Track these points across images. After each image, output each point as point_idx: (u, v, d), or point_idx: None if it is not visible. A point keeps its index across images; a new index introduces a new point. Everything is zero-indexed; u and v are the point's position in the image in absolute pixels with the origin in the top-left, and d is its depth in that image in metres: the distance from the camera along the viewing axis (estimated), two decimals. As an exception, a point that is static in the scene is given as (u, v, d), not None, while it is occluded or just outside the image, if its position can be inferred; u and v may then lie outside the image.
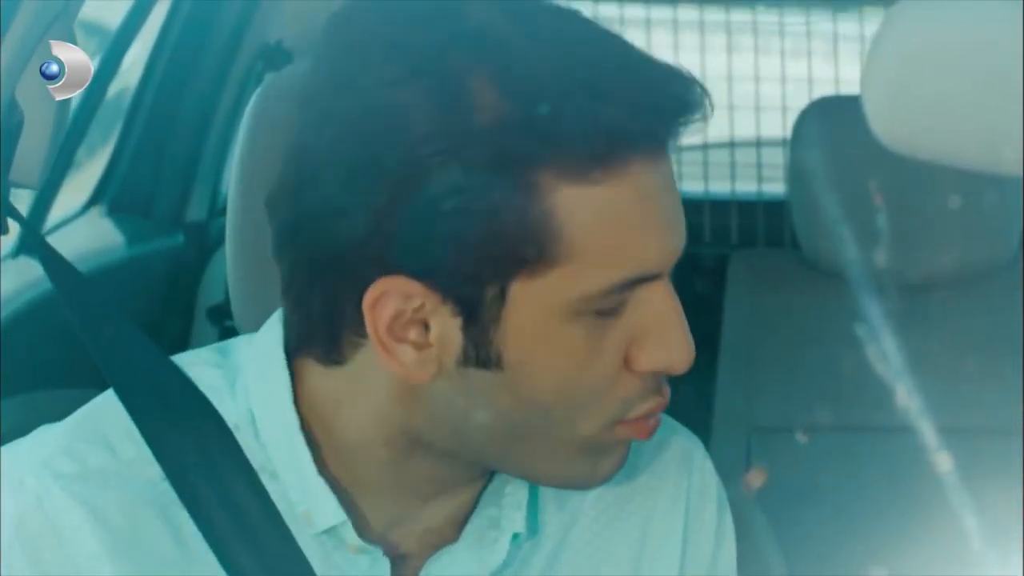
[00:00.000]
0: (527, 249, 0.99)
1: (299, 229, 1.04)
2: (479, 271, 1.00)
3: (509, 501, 1.12)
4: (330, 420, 1.08)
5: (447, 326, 1.02)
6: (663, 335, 1.04)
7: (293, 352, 1.09)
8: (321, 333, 1.06)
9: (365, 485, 1.09)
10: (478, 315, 1.01)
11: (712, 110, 1.02)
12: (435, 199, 0.99)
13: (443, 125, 0.98)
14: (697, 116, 1.01)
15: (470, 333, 1.02)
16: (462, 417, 1.04)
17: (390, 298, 1.01)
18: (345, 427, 1.07)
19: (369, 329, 1.02)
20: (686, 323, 1.04)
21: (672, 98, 1.01)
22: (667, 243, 1.03)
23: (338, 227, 1.01)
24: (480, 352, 1.02)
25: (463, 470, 1.10)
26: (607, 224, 1.00)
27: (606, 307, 1.02)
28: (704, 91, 1.02)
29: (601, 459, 1.08)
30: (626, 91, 0.99)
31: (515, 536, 1.12)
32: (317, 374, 1.08)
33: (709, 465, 1.21)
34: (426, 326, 1.02)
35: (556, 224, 0.99)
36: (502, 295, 1.00)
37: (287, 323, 1.09)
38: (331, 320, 1.05)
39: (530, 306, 1.01)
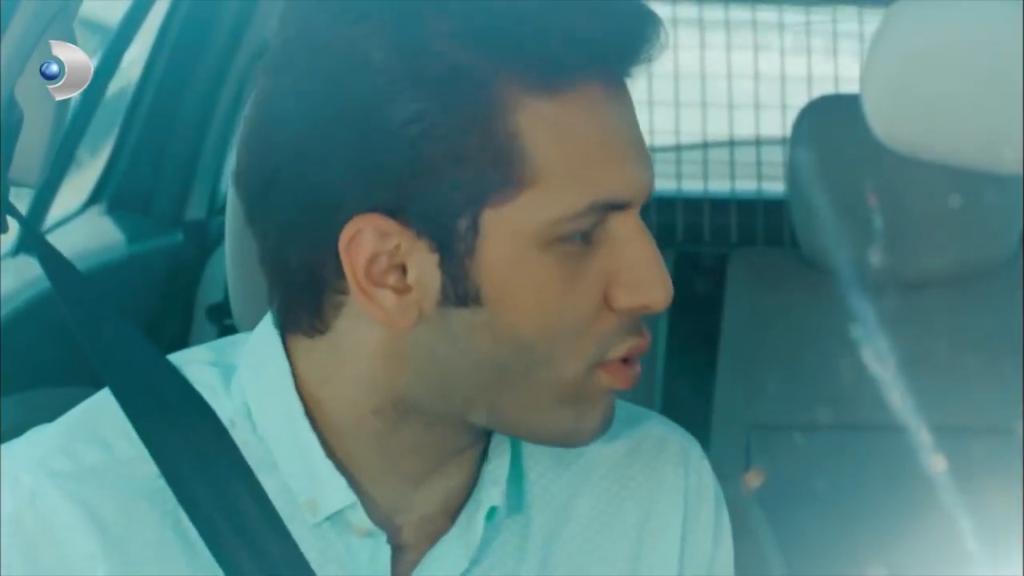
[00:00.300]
0: (494, 172, 1.01)
1: (269, 185, 1.04)
2: (450, 201, 1.01)
3: (489, 478, 1.12)
4: (321, 397, 1.08)
5: (424, 264, 1.03)
6: (640, 273, 1.05)
7: (283, 334, 1.09)
8: (302, 297, 1.06)
9: (360, 467, 1.09)
10: (453, 249, 1.02)
11: (666, 43, 1.04)
12: (399, 128, 1.00)
13: (398, 52, 1.00)
14: (650, 45, 1.03)
15: (447, 269, 1.03)
16: (445, 366, 1.05)
17: (365, 236, 1.02)
18: (335, 402, 1.08)
19: (348, 274, 1.03)
20: (663, 262, 1.06)
21: (626, 20, 1.03)
22: (632, 171, 1.05)
23: (306, 172, 1.02)
24: (458, 289, 1.03)
25: (453, 439, 1.10)
26: (570, 145, 1.02)
27: (576, 231, 1.03)
28: (661, 24, 1.04)
29: (585, 411, 1.08)
30: (579, 11, 1.01)
31: (493, 510, 1.12)
32: (305, 352, 1.09)
33: (706, 464, 1.21)
34: (404, 271, 1.03)
35: (520, 145, 1.01)
36: (475, 226, 1.02)
37: (271, 300, 1.09)
38: (310, 279, 1.05)
39: (503, 235, 1.02)
